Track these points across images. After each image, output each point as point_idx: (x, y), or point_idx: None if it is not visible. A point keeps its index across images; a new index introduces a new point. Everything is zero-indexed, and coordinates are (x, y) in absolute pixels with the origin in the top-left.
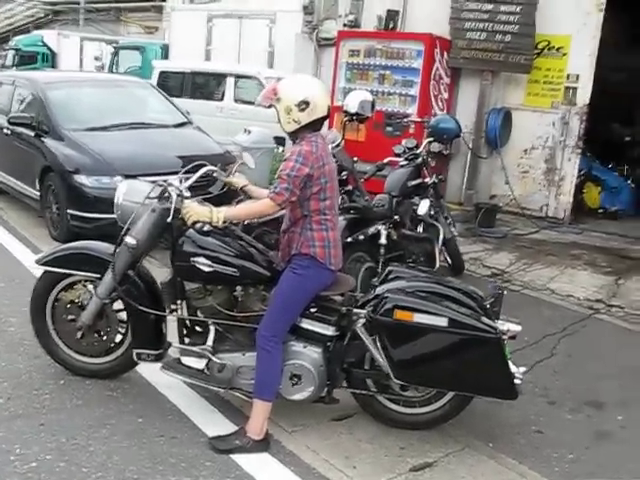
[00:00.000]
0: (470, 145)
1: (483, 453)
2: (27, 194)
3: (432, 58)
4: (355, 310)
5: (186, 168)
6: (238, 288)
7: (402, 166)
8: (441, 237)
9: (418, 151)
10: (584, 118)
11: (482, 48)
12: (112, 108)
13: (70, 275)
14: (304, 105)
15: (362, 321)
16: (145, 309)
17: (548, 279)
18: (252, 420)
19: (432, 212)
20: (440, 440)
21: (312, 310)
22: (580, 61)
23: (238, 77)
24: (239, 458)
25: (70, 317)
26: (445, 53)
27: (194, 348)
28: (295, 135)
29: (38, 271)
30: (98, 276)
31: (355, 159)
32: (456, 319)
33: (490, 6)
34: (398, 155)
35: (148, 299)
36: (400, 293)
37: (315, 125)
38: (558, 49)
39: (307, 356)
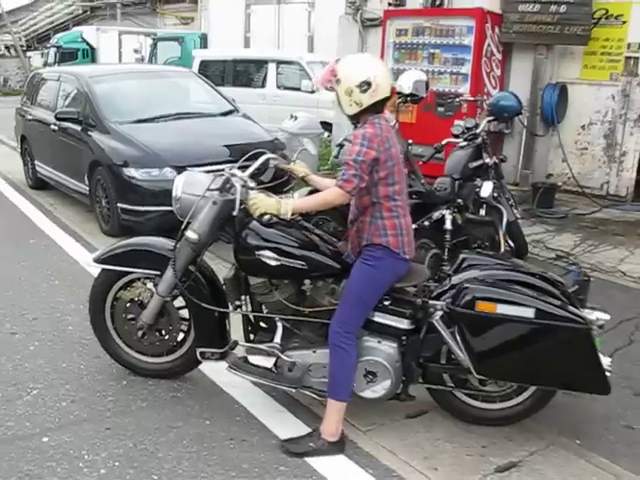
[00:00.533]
0: (525, 123)
1: (570, 451)
2: (76, 189)
3: (483, 34)
4: (431, 302)
5: (245, 157)
6: (306, 282)
7: (461, 147)
8: (505, 220)
9: (477, 131)
10: None
11: (535, 21)
12: (157, 99)
13: (129, 273)
14: (366, 86)
15: (439, 313)
16: (208, 306)
17: (618, 260)
18: (326, 421)
19: (495, 194)
20: (523, 437)
21: (386, 303)
22: None
23: (279, 63)
24: (314, 461)
25: (130, 316)
26: (496, 28)
27: (262, 346)
28: (357, 118)
29: (92, 268)
30: (158, 273)
31: (410, 142)
32: (543, 309)
33: None
34: (456, 136)
35: (211, 295)
36: (479, 283)
37: (377, 107)
38: (617, 17)
39: (382, 352)
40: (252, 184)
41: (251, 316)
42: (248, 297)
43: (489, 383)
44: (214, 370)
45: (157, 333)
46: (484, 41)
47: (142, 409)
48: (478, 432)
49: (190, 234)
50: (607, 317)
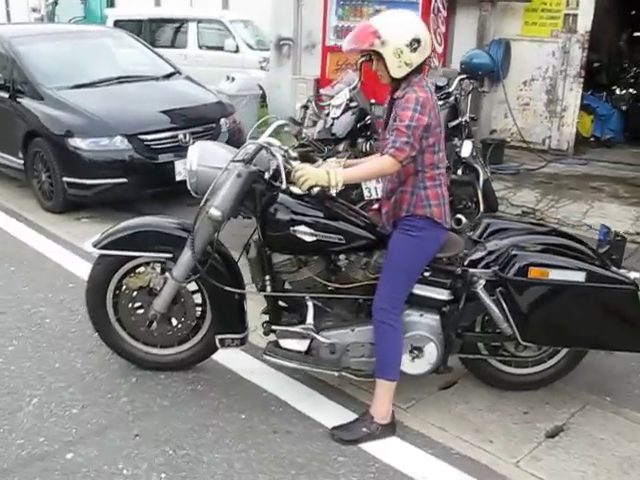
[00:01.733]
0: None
1: (606, 409)
2: (7, 164)
3: None
4: (472, 270)
5: (256, 124)
6: (341, 256)
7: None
8: (481, 179)
9: (450, 89)
10: (586, 46)
11: None
12: (93, 62)
13: (133, 258)
14: (416, 44)
15: (482, 282)
16: (232, 289)
17: (581, 214)
18: (377, 403)
19: (474, 153)
20: (558, 399)
21: (426, 274)
22: None
23: (200, 22)
24: (369, 447)
25: (137, 305)
26: None
27: (295, 328)
28: (399, 82)
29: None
30: (170, 256)
31: (372, 101)
32: (593, 272)
33: None
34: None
35: (231, 277)
36: (523, 249)
37: (420, 67)
38: None
39: (426, 325)
40: (294, 154)
41: (280, 297)
42: (269, 277)
43: (525, 348)
44: (225, 358)
45: (168, 322)
46: None
47: (165, 408)
48: (514, 398)
49: (213, 211)
50: None
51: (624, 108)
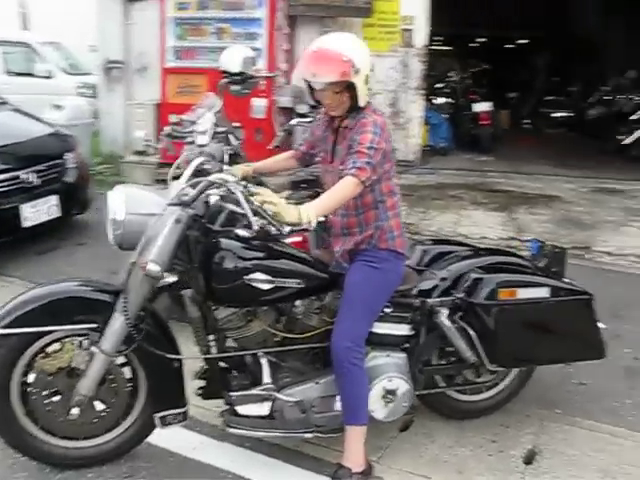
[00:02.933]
0: None
1: (561, 422)
2: None
3: (274, 6)
4: (431, 300)
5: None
6: (297, 302)
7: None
8: None
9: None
10: (424, 59)
11: None
12: None
13: (43, 335)
14: (372, 69)
15: (445, 311)
16: (173, 356)
17: (453, 224)
18: (352, 452)
19: None
20: (514, 420)
21: (387, 310)
22: (413, 2)
23: (4, 44)
24: None
25: (52, 391)
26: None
27: (253, 391)
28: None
29: None
30: (94, 326)
31: (237, 124)
32: (555, 286)
33: None
34: (303, 115)
35: (167, 342)
36: (483, 272)
37: None
38: None
39: (395, 365)
40: (253, 188)
41: (228, 358)
42: (213, 337)
43: (482, 374)
44: (158, 438)
45: (93, 406)
46: (275, 14)
47: None
48: (474, 428)
49: (152, 266)
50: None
51: (445, 117)
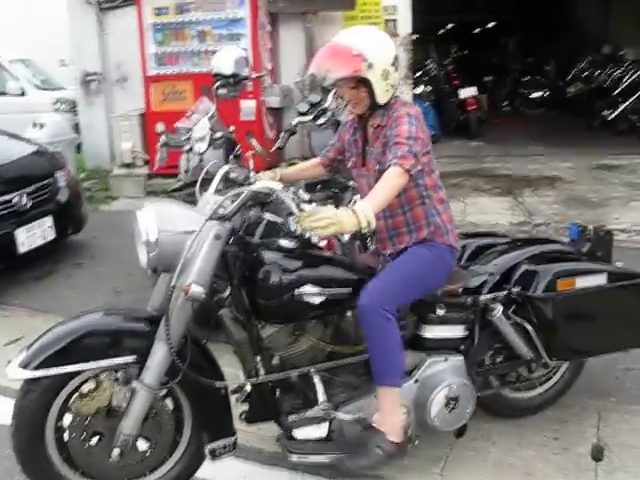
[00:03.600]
0: (306, 93)
1: (620, 412)
2: None
3: (256, 4)
4: (484, 297)
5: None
6: (348, 313)
7: (320, 125)
8: None
9: (326, 105)
10: (409, 48)
11: None
12: None
13: (78, 373)
14: (396, 62)
15: (500, 308)
16: (220, 382)
17: (461, 213)
18: (386, 416)
19: None
20: (571, 414)
21: (440, 312)
22: None
23: None
24: None
25: (91, 433)
26: None
27: (312, 412)
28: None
29: None
30: (133, 359)
31: (232, 129)
32: (612, 271)
33: None
34: (303, 114)
35: (212, 369)
36: (537, 263)
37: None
38: None
39: (454, 370)
40: (306, 196)
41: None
42: (260, 357)
43: (537, 369)
44: (204, 472)
45: (137, 446)
46: (257, 13)
47: None
48: (532, 426)
49: (196, 288)
50: None
51: (429, 105)
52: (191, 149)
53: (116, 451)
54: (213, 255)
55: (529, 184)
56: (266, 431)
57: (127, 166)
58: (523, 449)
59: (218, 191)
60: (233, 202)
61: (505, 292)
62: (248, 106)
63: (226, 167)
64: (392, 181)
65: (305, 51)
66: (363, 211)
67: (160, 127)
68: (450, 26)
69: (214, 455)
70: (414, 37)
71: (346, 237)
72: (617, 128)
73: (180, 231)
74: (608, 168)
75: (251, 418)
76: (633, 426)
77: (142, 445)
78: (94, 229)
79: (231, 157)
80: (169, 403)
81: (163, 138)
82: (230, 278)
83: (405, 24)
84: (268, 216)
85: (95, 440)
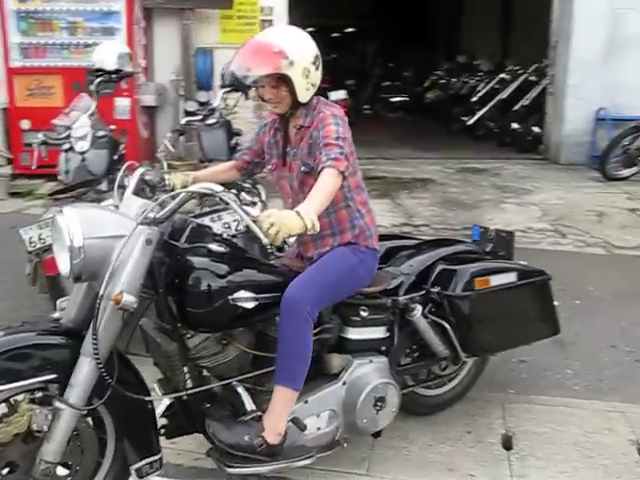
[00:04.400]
0: (182, 92)
1: (521, 402)
2: None
3: None
4: (403, 297)
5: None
6: (276, 318)
7: (209, 125)
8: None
9: (215, 105)
10: None
11: None
12: None
13: None
14: (318, 61)
15: (419, 308)
16: (149, 397)
17: None
18: (274, 415)
19: None
20: (476, 407)
21: (364, 314)
22: None
23: None
24: None
25: (5, 464)
26: None
27: (240, 422)
28: (296, 108)
29: None
30: (53, 377)
31: (113, 127)
32: (521, 269)
33: None
34: (192, 113)
35: (138, 383)
36: (452, 262)
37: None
38: None
39: (379, 371)
40: (249, 197)
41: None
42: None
43: (448, 366)
44: None
45: (56, 473)
46: (133, 7)
47: None
48: (443, 422)
49: (127, 298)
50: None
51: None
52: (71, 148)
53: None
54: (144, 261)
55: (404, 186)
56: (182, 445)
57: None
58: (440, 445)
59: (135, 194)
60: (163, 205)
61: (423, 292)
62: (122, 104)
63: (141, 169)
64: (329, 183)
65: (181, 48)
66: (307, 213)
67: (25, 124)
68: (311, 30)
69: (141, 475)
70: None
71: (292, 240)
72: (476, 133)
73: (107, 236)
74: (474, 171)
75: (171, 433)
76: (533, 415)
77: (61, 471)
78: None
79: (115, 157)
80: (90, 423)
81: (40, 136)
82: (155, 286)
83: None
84: (201, 220)
85: (7, 472)
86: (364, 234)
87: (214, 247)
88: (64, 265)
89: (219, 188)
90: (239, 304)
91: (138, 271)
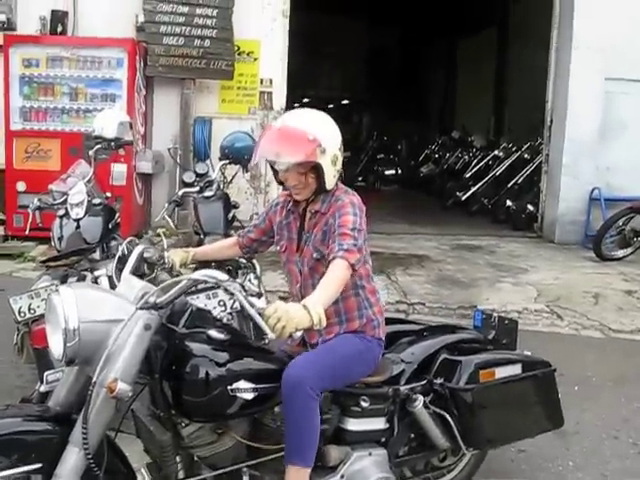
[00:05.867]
0: (179, 160)
1: None
2: None
3: (135, 67)
4: (404, 388)
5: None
6: (277, 409)
7: (206, 197)
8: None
9: (213, 177)
10: None
11: (182, 54)
12: None
13: None
14: (342, 146)
15: (421, 398)
16: None
17: None
18: None
19: None
20: None
21: (364, 405)
22: (272, 65)
23: None
24: None
25: None
26: (142, 61)
27: None
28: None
29: None
30: (37, 467)
31: (108, 194)
32: (525, 361)
33: (185, 9)
34: (190, 184)
35: (128, 472)
36: (454, 353)
37: None
38: (249, 54)
39: (379, 464)
40: (254, 287)
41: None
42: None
43: (448, 458)
44: None
45: None
46: (135, 75)
47: None
48: None
49: (121, 386)
50: None
51: None
52: (66, 214)
53: None
54: (141, 348)
55: (399, 262)
56: None
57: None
58: None
59: (136, 274)
60: (164, 289)
61: (425, 382)
62: (119, 170)
63: (140, 247)
64: (340, 275)
65: (180, 117)
66: (314, 307)
67: (21, 186)
68: (306, 100)
69: None
70: None
71: (298, 334)
72: (470, 209)
73: (104, 320)
74: (469, 249)
75: None
76: None
77: None
78: None
79: (109, 225)
80: None
81: (36, 201)
82: (150, 370)
83: (280, 97)
84: (199, 304)
85: None
86: (371, 323)
87: (214, 333)
88: (57, 347)
89: (224, 277)
90: (238, 395)
91: (134, 358)
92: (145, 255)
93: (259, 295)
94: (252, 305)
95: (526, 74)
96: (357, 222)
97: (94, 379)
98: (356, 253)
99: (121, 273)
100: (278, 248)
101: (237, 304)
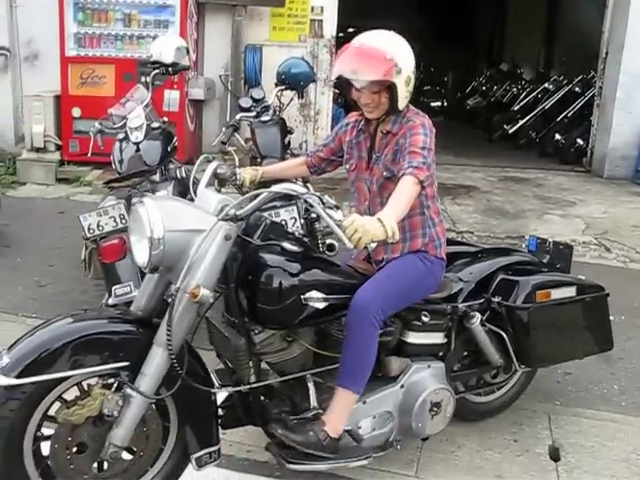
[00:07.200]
0: (230, 87)
1: (567, 414)
2: None
3: None
4: (462, 305)
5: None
6: (344, 319)
7: (264, 122)
8: None
9: (269, 102)
10: (333, 50)
11: None
12: None
13: (63, 380)
14: (415, 69)
15: (478, 316)
16: (216, 389)
17: None
18: (335, 414)
19: None
20: (523, 417)
21: (425, 319)
22: None
23: None
24: None
25: (77, 445)
26: None
27: (303, 419)
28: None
29: None
30: (125, 364)
31: (165, 119)
32: (579, 284)
33: None
34: (246, 109)
35: (206, 375)
36: (513, 273)
37: None
38: None
39: (437, 376)
40: (332, 201)
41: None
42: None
43: (500, 375)
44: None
45: (122, 457)
46: (188, 1)
47: None
48: (490, 429)
49: (204, 292)
50: None
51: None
52: (126, 138)
53: (102, 463)
54: (221, 257)
55: (447, 192)
56: (232, 436)
57: (37, 150)
58: (488, 451)
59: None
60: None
61: (482, 300)
62: (172, 97)
63: (214, 163)
64: (409, 190)
65: (231, 44)
66: (388, 221)
67: (76, 111)
68: (352, 30)
69: (200, 464)
70: None
71: (373, 245)
72: (517, 142)
73: (186, 229)
74: (517, 181)
75: (227, 424)
76: (580, 427)
77: (125, 456)
78: (5, 216)
79: (168, 148)
80: (155, 410)
81: (97, 125)
82: (227, 280)
83: (331, 26)
84: (270, 217)
85: (79, 453)
86: (434, 243)
87: (288, 245)
88: (141, 255)
89: (302, 190)
90: (310, 304)
91: (215, 266)
92: (219, 171)
93: (337, 207)
94: (331, 217)
95: (581, 3)
96: (427, 142)
97: (177, 285)
98: (425, 170)
99: (180, 195)
100: (347, 167)
101: (298, 225)
